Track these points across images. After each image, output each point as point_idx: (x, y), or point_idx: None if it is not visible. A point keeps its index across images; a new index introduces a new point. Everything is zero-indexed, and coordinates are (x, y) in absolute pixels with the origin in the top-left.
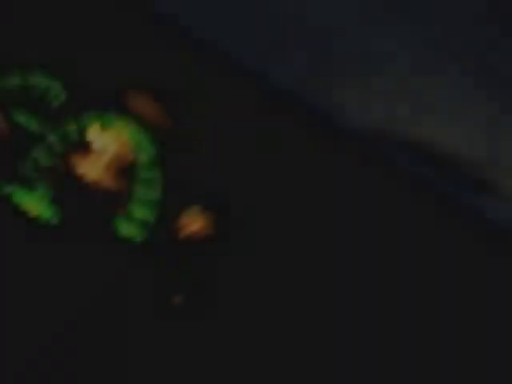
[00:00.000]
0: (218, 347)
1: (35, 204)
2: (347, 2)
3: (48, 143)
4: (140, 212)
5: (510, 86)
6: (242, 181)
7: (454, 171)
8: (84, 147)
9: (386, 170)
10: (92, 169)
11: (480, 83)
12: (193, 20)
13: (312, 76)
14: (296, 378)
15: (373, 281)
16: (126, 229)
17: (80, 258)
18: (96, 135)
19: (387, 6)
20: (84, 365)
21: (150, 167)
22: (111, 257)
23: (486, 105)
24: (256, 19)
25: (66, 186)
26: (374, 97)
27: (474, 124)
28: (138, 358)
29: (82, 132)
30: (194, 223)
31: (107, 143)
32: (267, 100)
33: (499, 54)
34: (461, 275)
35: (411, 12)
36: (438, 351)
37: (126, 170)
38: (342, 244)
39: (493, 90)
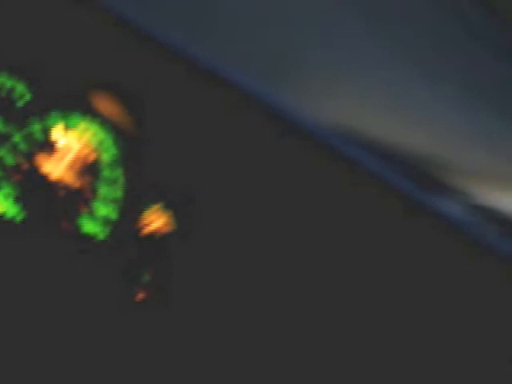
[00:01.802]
0: (180, 340)
1: (0, 202)
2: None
3: (13, 143)
4: (103, 210)
5: (473, 94)
6: (203, 179)
7: (413, 170)
8: (48, 147)
9: (349, 170)
10: (56, 168)
11: (441, 85)
12: (156, 21)
13: (275, 75)
14: (256, 367)
15: (328, 281)
16: (90, 226)
17: (45, 255)
18: (60, 135)
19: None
20: (48, 361)
21: (113, 166)
22: (75, 253)
23: (445, 105)
24: (218, 19)
25: (31, 185)
26: (336, 97)
27: (432, 124)
28: (102, 352)
29: (46, 132)
30: (156, 220)
31: (71, 143)
32: (230, 99)
33: (461, 56)
34: (419, 271)
35: (374, 12)
36: (410, 350)
37: (89, 169)
38: (304, 242)
39: (448, 92)
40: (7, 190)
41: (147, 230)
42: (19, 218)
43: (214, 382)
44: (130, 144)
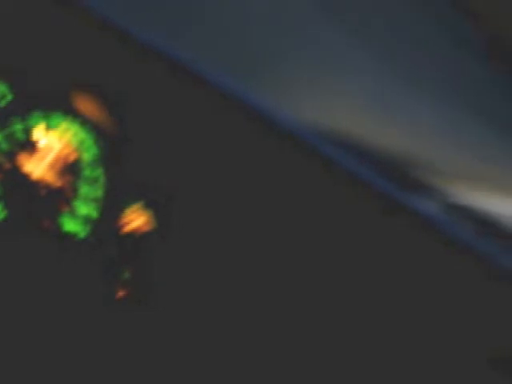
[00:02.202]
0: (160, 337)
1: None
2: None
3: None
4: (84, 209)
5: (448, 93)
6: (183, 178)
7: (390, 169)
8: (30, 146)
9: (327, 169)
10: (37, 167)
11: (413, 84)
12: (136, 22)
13: (254, 74)
14: (237, 366)
15: (307, 279)
16: (71, 225)
17: (26, 253)
18: (41, 135)
19: (323, 7)
20: (29, 359)
21: (94, 166)
22: (56, 251)
23: (422, 105)
24: (198, 20)
25: (12, 184)
26: (315, 97)
27: (409, 124)
28: (83, 349)
29: (27, 132)
30: (136, 219)
31: (52, 142)
32: (210, 99)
33: (438, 57)
34: (396, 269)
35: (352, 13)
36: (387, 348)
37: (70, 168)
38: (283, 240)
39: (424, 91)
40: None
41: (127, 228)
42: (0, 217)
43: (192, 379)
44: (111, 144)
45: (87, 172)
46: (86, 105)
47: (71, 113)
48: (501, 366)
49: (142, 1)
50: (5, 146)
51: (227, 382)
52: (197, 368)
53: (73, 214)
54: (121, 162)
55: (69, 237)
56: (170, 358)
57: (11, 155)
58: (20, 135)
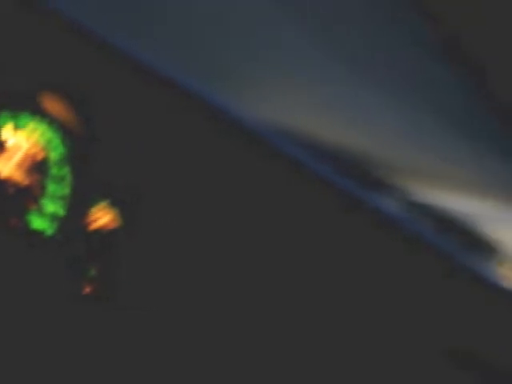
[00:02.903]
0: (125, 332)
1: None
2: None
3: None
4: (51, 206)
5: (407, 94)
6: (148, 176)
7: (351, 168)
8: None
9: (289, 168)
10: (5, 166)
11: (373, 84)
12: (101, 23)
13: (216, 74)
14: (199, 362)
15: (269, 278)
16: (39, 222)
17: None
18: (10, 134)
19: (284, 10)
20: None
21: (61, 164)
22: (24, 248)
23: (380, 105)
24: (161, 20)
25: None
26: (275, 96)
27: (368, 123)
28: (49, 345)
29: None
30: (102, 217)
31: (20, 142)
32: (173, 99)
33: (395, 56)
34: (358, 266)
35: (310, 13)
36: (347, 344)
37: (38, 167)
38: (245, 238)
39: (385, 92)
40: None
41: (94, 225)
42: None
43: (157, 375)
44: (78, 143)
45: (54, 170)
46: (54, 105)
47: (39, 113)
48: (458, 359)
49: (107, 3)
50: None
51: (190, 376)
52: (160, 361)
53: (40, 211)
54: (87, 161)
55: (36, 234)
56: (134, 352)
57: None
58: None
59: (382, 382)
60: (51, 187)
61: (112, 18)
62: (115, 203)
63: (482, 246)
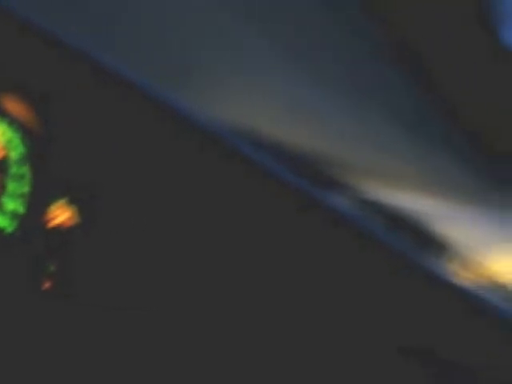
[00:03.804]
0: (84, 328)
1: None
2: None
3: None
4: (11, 204)
5: (359, 95)
6: (107, 175)
7: (304, 167)
8: None
9: (243, 168)
10: None
11: (326, 86)
12: (61, 24)
13: (174, 76)
14: (156, 359)
15: (225, 276)
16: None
17: None
18: None
19: (240, 13)
20: None
21: (21, 163)
22: None
23: (333, 105)
24: (121, 22)
25: None
26: (231, 98)
27: (321, 123)
28: (10, 341)
29: None
30: (61, 214)
31: None
32: (132, 100)
33: (348, 58)
34: (311, 264)
35: (266, 16)
36: (299, 340)
37: None
38: (202, 236)
39: (338, 93)
40: None
41: (53, 223)
42: None
43: (115, 371)
44: (37, 142)
45: (14, 169)
46: (13, 105)
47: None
48: (411, 355)
49: (65, 3)
50: None
51: (148, 372)
52: (119, 357)
53: (1, 209)
54: (46, 160)
55: None
56: (94, 348)
57: None
58: None
59: (338, 380)
60: (11, 186)
61: (71, 18)
62: (73, 201)
63: (432, 244)
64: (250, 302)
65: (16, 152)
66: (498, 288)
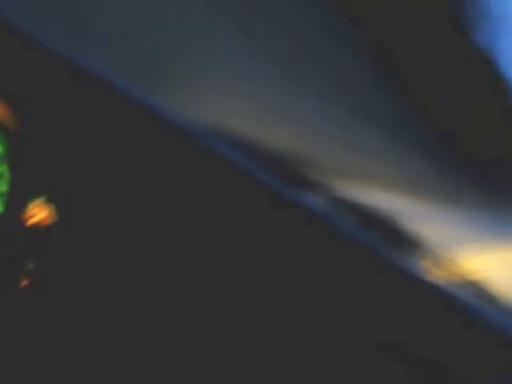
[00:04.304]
0: (61, 324)
1: None
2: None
3: None
4: None
5: (333, 95)
6: (84, 175)
7: (278, 166)
8: None
9: (218, 167)
10: None
11: (299, 86)
12: (38, 26)
13: (151, 78)
14: (127, 356)
15: (199, 272)
16: None
17: None
18: None
19: (219, 15)
20: None
21: (0, 163)
22: None
23: (308, 105)
24: (99, 24)
25: None
26: (207, 98)
27: (295, 123)
28: None
29: None
30: (39, 213)
31: None
32: (110, 100)
33: (320, 58)
34: (285, 260)
35: (239, 16)
36: (272, 336)
37: None
38: (176, 232)
39: (311, 93)
40: None
41: (31, 221)
42: None
43: (92, 367)
44: (15, 142)
45: None
46: None
47: None
48: (383, 351)
49: (43, 5)
50: None
51: (120, 367)
52: (96, 354)
53: None
54: (25, 159)
55: None
56: (71, 345)
57: None
58: None
59: (314, 374)
60: None
61: (48, 19)
62: (51, 200)
63: (405, 242)
64: (224, 297)
65: None
66: (470, 286)
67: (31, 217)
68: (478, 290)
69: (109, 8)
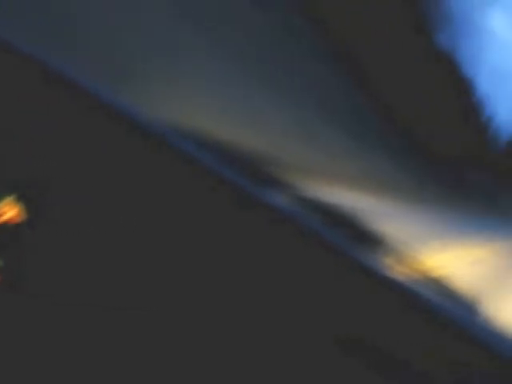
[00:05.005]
0: (32, 322)
1: None
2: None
3: None
4: None
5: (297, 95)
6: (53, 173)
7: (245, 166)
8: None
9: (184, 166)
10: None
11: (265, 86)
12: (5, 26)
13: (119, 78)
14: (106, 355)
15: (168, 273)
16: None
17: None
18: None
19: (183, 16)
20: None
21: None
22: None
23: (274, 106)
24: (67, 26)
25: None
26: (175, 98)
27: (260, 124)
28: None
29: None
30: (8, 211)
31: None
32: (75, 100)
33: (285, 59)
34: (252, 259)
35: (206, 20)
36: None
37: None
38: (144, 234)
39: (276, 93)
40: None
41: (1, 220)
42: None
43: (64, 360)
44: None
45: None
46: None
47: None
48: (346, 346)
49: (12, 7)
50: None
51: (93, 363)
52: (67, 352)
53: None
54: None
55: None
56: (42, 342)
57: None
58: None
59: (274, 370)
60: None
61: (12, 18)
62: (21, 198)
63: (368, 239)
64: (188, 297)
65: None
66: (431, 282)
67: (1, 215)
68: (439, 286)
69: (75, 11)
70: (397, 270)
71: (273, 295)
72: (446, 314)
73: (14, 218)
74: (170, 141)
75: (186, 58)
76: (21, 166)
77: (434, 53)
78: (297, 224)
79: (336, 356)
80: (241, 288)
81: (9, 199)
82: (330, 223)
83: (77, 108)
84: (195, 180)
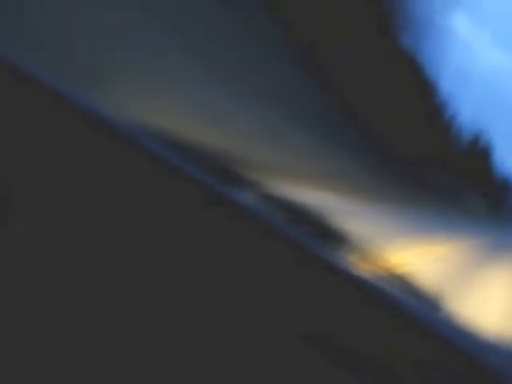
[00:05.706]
0: (7, 322)
1: None
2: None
3: None
4: None
5: (260, 94)
6: (20, 174)
7: (210, 164)
8: None
9: (150, 165)
10: None
11: (232, 87)
12: None
13: (87, 77)
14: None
15: (136, 273)
16: None
17: None
18: None
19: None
20: None
21: None
22: None
23: (240, 106)
24: (24, 21)
25: None
26: (142, 97)
27: (227, 124)
28: None
29: None
30: None
31: None
32: (42, 100)
33: (247, 58)
34: (217, 258)
35: (172, 19)
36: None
37: None
38: (109, 233)
39: (243, 94)
40: None
41: None
42: None
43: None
44: None
45: None
46: None
47: None
48: (310, 343)
49: None
50: None
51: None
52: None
53: None
54: None
55: None
56: (18, 342)
57: None
58: None
59: (240, 370)
60: None
61: None
62: None
63: (333, 237)
64: (154, 296)
65: None
66: (395, 279)
67: None
68: (403, 283)
69: (46, 10)
70: (361, 267)
71: (237, 292)
72: (409, 311)
73: None
74: (136, 140)
75: (153, 59)
76: None
77: (397, 54)
78: (262, 222)
79: (300, 354)
80: (205, 285)
81: None
82: (295, 221)
83: (45, 108)
84: (161, 178)
